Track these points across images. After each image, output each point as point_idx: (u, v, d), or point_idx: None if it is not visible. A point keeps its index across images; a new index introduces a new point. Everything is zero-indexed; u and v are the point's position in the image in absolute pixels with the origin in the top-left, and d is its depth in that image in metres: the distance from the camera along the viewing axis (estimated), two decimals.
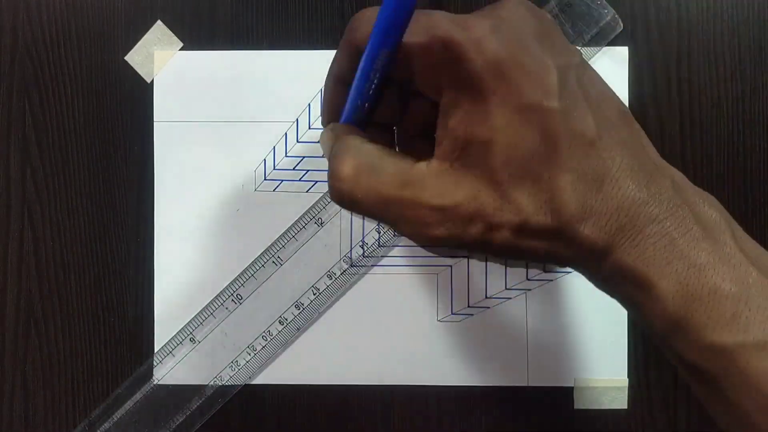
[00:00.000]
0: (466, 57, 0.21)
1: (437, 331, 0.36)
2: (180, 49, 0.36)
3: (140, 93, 0.36)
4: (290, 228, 0.35)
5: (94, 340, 0.36)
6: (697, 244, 0.22)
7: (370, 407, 0.36)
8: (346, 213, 0.35)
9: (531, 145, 0.21)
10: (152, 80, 0.36)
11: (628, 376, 0.35)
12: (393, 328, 0.36)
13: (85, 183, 0.36)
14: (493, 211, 0.22)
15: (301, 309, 0.35)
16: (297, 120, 0.36)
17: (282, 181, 0.36)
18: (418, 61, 0.23)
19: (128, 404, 0.35)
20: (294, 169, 0.36)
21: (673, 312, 0.21)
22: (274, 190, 0.36)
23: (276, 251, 0.35)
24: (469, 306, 0.35)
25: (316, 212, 0.35)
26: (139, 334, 0.36)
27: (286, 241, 0.35)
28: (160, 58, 0.36)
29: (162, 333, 0.36)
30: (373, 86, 0.24)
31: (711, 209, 0.23)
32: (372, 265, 0.35)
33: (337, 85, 0.26)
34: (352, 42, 0.24)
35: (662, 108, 0.35)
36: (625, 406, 0.35)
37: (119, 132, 0.36)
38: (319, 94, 0.36)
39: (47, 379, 0.36)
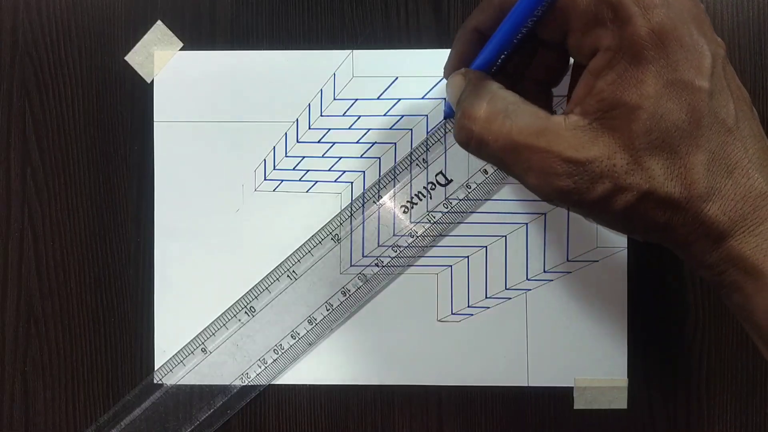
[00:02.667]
0: (634, 21, 0.22)
1: (437, 331, 0.36)
2: (180, 49, 0.36)
3: (140, 93, 0.36)
4: (306, 243, 0.35)
5: (94, 340, 0.36)
6: None
7: (370, 407, 0.36)
8: (361, 229, 0.35)
9: (675, 119, 0.22)
10: (152, 80, 0.36)
11: (628, 376, 0.35)
12: (393, 328, 0.36)
13: (85, 183, 0.36)
14: (624, 173, 0.22)
15: (314, 324, 0.35)
16: (297, 120, 0.36)
17: (282, 181, 0.36)
18: (577, 20, 0.23)
19: (137, 411, 0.35)
20: (294, 169, 0.36)
21: None
22: (274, 190, 0.36)
23: (291, 265, 0.35)
24: (469, 306, 0.35)
25: (333, 228, 0.35)
26: (139, 334, 0.36)
27: (301, 256, 0.35)
28: (160, 58, 0.36)
29: (162, 333, 0.36)
30: (517, 40, 0.25)
31: None
32: (386, 284, 0.36)
33: (473, 34, 0.27)
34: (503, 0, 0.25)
35: None
36: (625, 406, 0.35)
37: (119, 132, 0.36)
38: (320, 93, 0.36)
39: (47, 379, 0.36)
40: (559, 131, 0.23)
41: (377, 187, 0.35)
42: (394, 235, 0.35)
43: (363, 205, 0.35)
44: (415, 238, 0.35)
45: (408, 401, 0.36)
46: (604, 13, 0.22)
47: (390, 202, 0.35)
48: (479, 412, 0.36)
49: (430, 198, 0.35)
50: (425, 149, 0.35)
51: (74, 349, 0.36)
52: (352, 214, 0.35)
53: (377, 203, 0.35)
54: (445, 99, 0.34)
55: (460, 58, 0.27)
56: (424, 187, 0.35)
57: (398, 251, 0.35)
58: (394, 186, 0.35)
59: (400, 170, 0.35)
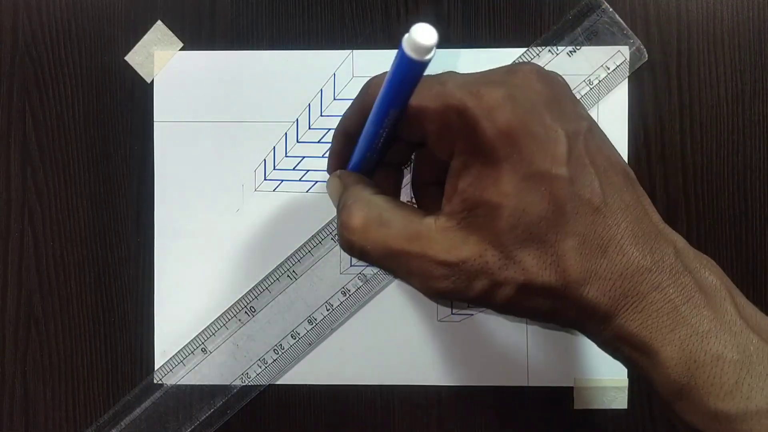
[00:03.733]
0: (479, 125, 0.22)
1: (437, 331, 0.36)
2: (180, 49, 0.36)
3: (140, 93, 0.36)
4: (306, 243, 0.35)
5: (94, 340, 0.36)
6: (699, 312, 0.22)
7: (370, 407, 0.36)
8: None
9: (539, 210, 0.22)
10: (152, 80, 0.36)
11: (628, 376, 0.35)
12: (393, 328, 0.36)
13: (85, 183, 0.36)
14: (498, 269, 0.23)
15: (314, 324, 0.35)
16: (297, 120, 0.36)
17: (282, 181, 0.36)
18: (430, 125, 0.24)
19: (137, 411, 0.35)
20: (294, 169, 0.36)
21: (676, 378, 0.22)
22: (274, 190, 0.36)
23: (291, 265, 0.35)
24: (469, 306, 0.35)
25: (333, 228, 0.35)
26: (139, 334, 0.36)
27: (301, 256, 0.35)
28: (160, 58, 0.36)
29: (162, 333, 0.36)
30: (381, 141, 0.25)
31: (711, 275, 0.23)
32: (386, 284, 0.36)
33: (345, 137, 0.28)
34: (364, 103, 0.25)
35: (662, 108, 0.35)
36: (625, 406, 0.35)
37: (119, 132, 0.36)
38: (320, 93, 0.36)
39: (47, 379, 0.36)
40: (431, 235, 0.23)
41: None
42: None
43: None
44: None
45: (408, 401, 0.36)
46: (451, 119, 0.23)
47: None
48: (479, 412, 0.36)
49: None
50: None
51: (74, 349, 0.36)
52: None
53: None
54: None
55: (337, 158, 0.28)
56: None
57: None
58: None
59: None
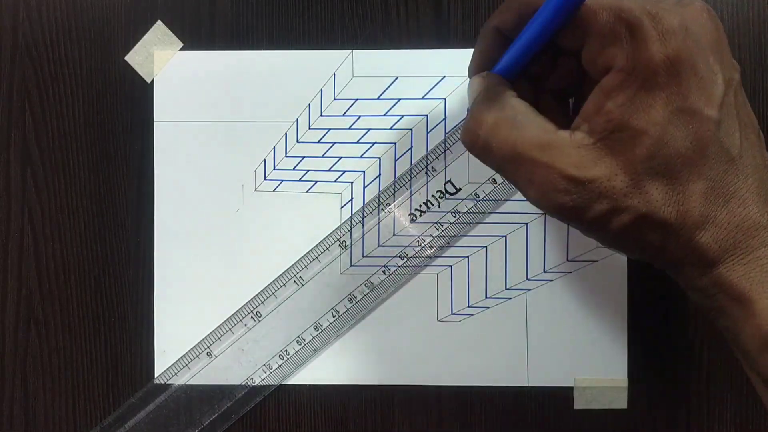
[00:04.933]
0: (650, 46, 0.22)
1: (437, 331, 0.36)
2: (180, 49, 0.36)
3: (140, 93, 0.36)
4: (313, 249, 0.35)
5: (94, 340, 0.36)
6: None
7: (370, 407, 0.36)
8: (370, 238, 0.35)
9: (680, 146, 0.22)
10: (152, 80, 0.36)
11: (628, 376, 0.35)
12: (393, 328, 0.36)
13: (85, 183, 0.36)
14: (623, 196, 0.22)
15: (320, 330, 0.35)
16: (297, 120, 0.36)
17: (282, 181, 0.36)
18: (597, 33, 0.23)
19: (141, 414, 0.35)
20: (294, 169, 0.36)
21: (767, 330, 0.22)
22: (274, 190, 0.36)
23: (298, 271, 0.35)
24: (469, 306, 0.35)
25: (341, 235, 0.35)
26: (139, 334, 0.36)
27: (308, 262, 0.35)
28: (160, 58, 0.36)
29: (162, 333, 0.36)
30: (541, 44, 0.25)
31: None
32: (392, 292, 0.36)
33: (497, 36, 0.26)
34: (527, 1, 0.25)
35: None
36: (625, 406, 0.35)
37: (119, 132, 0.36)
38: (320, 93, 0.36)
39: (47, 379, 0.36)
40: (563, 148, 0.23)
41: (385, 194, 0.35)
42: (401, 243, 0.35)
43: (372, 212, 0.35)
44: (422, 246, 0.35)
45: (408, 401, 0.36)
46: (621, 32, 0.22)
47: (397, 210, 0.35)
48: (479, 411, 0.36)
49: (438, 207, 0.35)
50: (434, 158, 0.35)
51: (74, 350, 0.36)
52: (361, 221, 0.35)
53: (385, 210, 0.35)
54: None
55: (483, 58, 0.27)
56: (432, 196, 0.35)
57: (405, 259, 0.35)
58: (402, 194, 0.35)
59: (408, 178, 0.35)
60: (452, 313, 0.35)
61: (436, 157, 0.35)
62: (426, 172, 0.35)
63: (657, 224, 0.23)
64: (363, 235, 0.35)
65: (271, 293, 0.35)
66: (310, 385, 0.36)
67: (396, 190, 0.35)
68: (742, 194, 0.23)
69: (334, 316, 0.35)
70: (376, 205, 0.35)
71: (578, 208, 0.23)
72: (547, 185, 0.23)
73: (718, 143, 0.22)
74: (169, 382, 0.36)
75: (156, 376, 0.36)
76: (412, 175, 0.35)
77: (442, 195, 0.35)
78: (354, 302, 0.35)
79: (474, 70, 0.28)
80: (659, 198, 0.22)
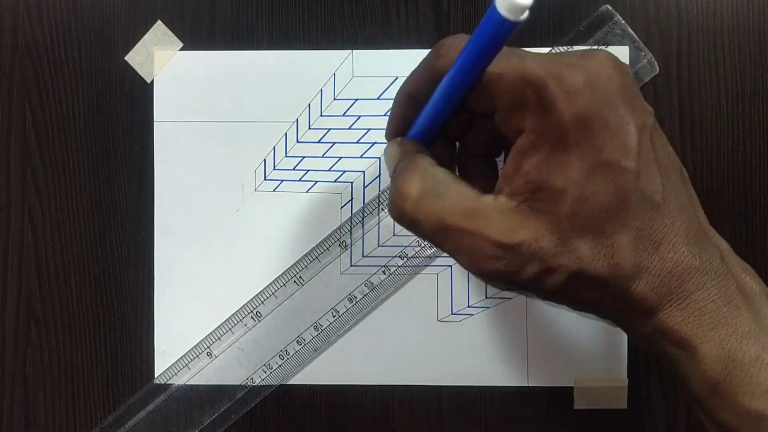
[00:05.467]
0: (557, 107, 0.22)
1: (437, 331, 0.36)
2: (180, 49, 0.36)
3: (140, 93, 0.36)
4: (313, 249, 0.35)
5: (94, 340, 0.36)
6: (739, 314, 0.23)
7: (370, 407, 0.36)
8: (370, 238, 0.35)
9: (602, 201, 0.22)
10: (152, 80, 0.36)
11: (628, 376, 0.35)
12: (393, 328, 0.36)
13: (85, 183, 0.36)
14: (552, 255, 0.22)
15: (320, 330, 0.35)
16: (297, 120, 0.36)
17: (282, 181, 0.36)
18: (504, 97, 0.23)
19: (141, 414, 0.35)
20: (294, 169, 0.36)
21: (712, 375, 0.22)
22: (274, 190, 0.36)
23: (298, 271, 0.35)
24: (469, 306, 0.35)
25: (341, 235, 0.35)
26: (139, 334, 0.36)
27: (308, 262, 0.35)
28: (160, 58, 0.36)
29: (162, 333, 0.36)
30: (450, 109, 0.25)
31: (752, 281, 0.24)
32: (392, 292, 0.36)
33: (409, 101, 0.27)
34: (436, 66, 0.25)
35: (662, 108, 0.35)
36: (625, 406, 0.35)
37: (119, 132, 0.36)
38: (320, 93, 0.36)
39: (47, 379, 0.36)
40: (488, 214, 0.23)
41: (385, 194, 0.35)
42: (401, 243, 0.35)
43: (371, 212, 0.35)
44: (422, 246, 0.35)
45: (408, 401, 0.36)
46: (527, 95, 0.22)
47: None
48: (479, 412, 0.36)
49: None
50: None
51: (74, 350, 0.36)
52: (361, 221, 0.35)
53: (385, 210, 0.35)
54: None
55: (398, 124, 0.27)
56: None
57: (405, 259, 0.35)
58: None
59: None
60: (452, 313, 0.35)
61: None
62: None
63: (590, 280, 0.23)
64: (363, 235, 0.35)
65: (271, 293, 0.35)
66: (310, 385, 0.36)
67: None
68: (671, 239, 0.23)
69: (334, 316, 0.35)
70: (376, 205, 0.35)
71: (510, 272, 0.23)
72: (477, 253, 0.23)
73: (639, 192, 0.22)
74: (169, 382, 0.36)
75: (156, 376, 0.36)
76: None
77: None
78: (354, 302, 0.35)
79: (390, 135, 0.28)
80: (588, 254, 0.22)
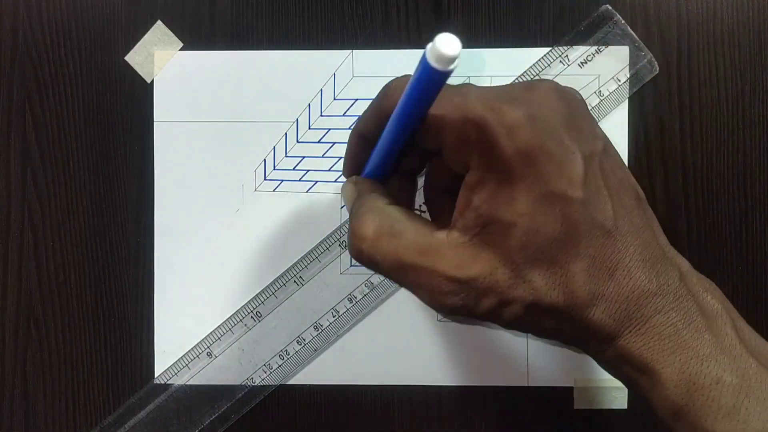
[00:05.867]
0: (498, 143, 0.22)
1: (437, 331, 0.36)
2: (180, 49, 0.36)
3: (140, 93, 0.36)
4: (314, 249, 0.35)
5: (94, 340, 0.36)
6: (700, 336, 0.23)
7: (370, 407, 0.36)
8: None
9: (551, 231, 0.22)
10: (152, 80, 0.36)
11: None
12: (393, 328, 0.36)
13: (85, 183, 0.36)
14: (507, 288, 0.23)
15: (320, 330, 0.35)
16: (297, 120, 0.36)
17: (282, 181, 0.36)
18: (448, 136, 0.23)
19: (141, 414, 0.35)
20: (294, 169, 0.36)
21: (675, 399, 0.22)
22: (274, 190, 0.36)
23: (298, 271, 0.35)
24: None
25: (341, 235, 0.35)
26: (139, 334, 0.36)
27: (308, 262, 0.35)
28: (160, 58, 0.36)
29: (162, 333, 0.36)
30: (399, 148, 0.25)
31: (714, 300, 0.24)
32: (392, 291, 0.35)
33: (360, 141, 0.27)
34: (383, 107, 0.25)
35: (662, 108, 0.35)
36: (625, 406, 0.35)
37: (119, 132, 0.36)
38: (320, 93, 0.36)
39: (47, 379, 0.36)
40: (442, 250, 0.23)
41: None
42: None
43: None
44: None
45: (408, 401, 0.36)
46: (470, 134, 0.23)
47: None
48: (479, 412, 0.36)
49: None
50: None
51: (74, 349, 0.36)
52: None
53: None
54: None
55: (353, 162, 0.28)
56: None
57: None
58: None
59: None
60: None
61: None
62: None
63: (547, 309, 0.23)
64: None
65: (271, 293, 0.35)
66: (310, 385, 0.36)
67: None
68: (626, 264, 0.23)
69: (334, 316, 0.35)
70: None
71: (468, 306, 0.23)
72: (434, 289, 0.23)
73: (589, 220, 0.22)
74: (169, 382, 0.36)
75: (156, 376, 0.36)
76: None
77: None
78: (354, 302, 0.35)
79: (346, 173, 0.29)
80: (543, 284, 0.22)
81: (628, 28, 0.35)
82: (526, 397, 0.36)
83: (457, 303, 0.23)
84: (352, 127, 0.27)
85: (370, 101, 0.26)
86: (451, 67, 0.21)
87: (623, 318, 0.23)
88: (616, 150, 0.25)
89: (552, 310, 0.23)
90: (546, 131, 0.22)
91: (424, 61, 0.21)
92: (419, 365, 0.36)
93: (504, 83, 0.35)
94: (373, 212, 0.25)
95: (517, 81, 0.35)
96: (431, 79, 0.22)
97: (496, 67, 0.35)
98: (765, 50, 0.35)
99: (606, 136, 0.25)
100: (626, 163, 0.35)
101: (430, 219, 0.28)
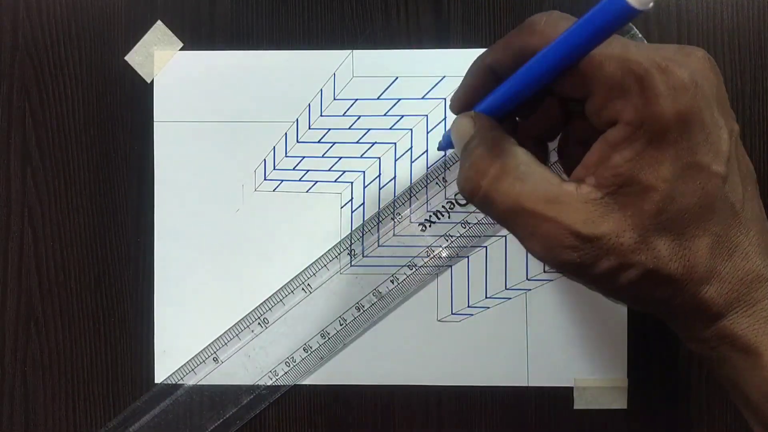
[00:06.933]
0: (661, 102, 0.21)
1: (437, 331, 0.36)
2: (180, 49, 0.36)
3: (140, 93, 0.36)
4: (322, 257, 0.35)
5: (94, 340, 0.36)
6: None
7: (370, 407, 0.36)
8: (378, 245, 0.35)
9: (687, 203, 0.22)
10: (152, 80, 0.36)
11: (628, 376, 0.35)
12: (393, 328, 0.36)
13: (85, 183, 0.36)
14: (630, 252, 0.22)
15: (327, 338, 0.35)
16: (297, 120, 0.36)
17: (282, 181, 0.36)
18: (600, 86, 0.22)
19: (145, 417, 0.35)
20: (294, 169, 0.36)
21: None
22: (274, 190, 0.36)
23: (306, 279, 0.35)
24: (469, 306, 0.35)
25: (349, 244, 0.35)
26: (139, 334, 0.36)
27: (317, 269, 0.35)
28: (160, 58, 0.36)
29: (162, 333, 0.36)
30: (534, 90, 0.23)
31: None
32: (400, 302, 0.35)
33: (487, 74, 0.25)
34: (528, 43, 0.23)
35: None
36: (625, 406, 0.35)
37: (119, 132, 0.36)
38: (320, 93, 0.36)
39: (47, 379, 0.36)
40: (571, 202, 0.22)
41: (395, 203, 0.35)
42: (410, 253, 0.35)
43: (381, 221, 0.35)
44: (431, 257, 0.35)
45: (408, 401, 0.36)
46: (630, 85, 0.22)
47: (407, 219, 0.35)
48: (479, 411, 0.36)
49: (449, 217, 0.35)
50: (444, 168, 0.35)
51: (74, 349, 0.36)
52: (370, 230, 0.35)
53: (394, 220, 0.35)
54: (445, 133, 0.31)
55: (469, 93, 0.26)
56: (442, 206, 0.35)
57: (414, 269, 0.35)
58: (412, 203, 0.35)
59: (419, 188, 0.35)
60: (452, 313, 0.35)
61: (446, 168, 0.35)
62: (437, 182, 0.35)
63: (663, 279, 0.22)
64: (371, 244, 0.35)
65: (278, 300, 0.35)
66: (310, 385, 0.36)
67: (406, 200, 0.35)
68: (745, 247, 0.23)
69: (341, 325, 0.35)
70: (386, 214, 0.35)
71: (584, 264, 0.22)
72: (553, 241, 0.22)
73: (724, 198, 0.22)
74: (174, 386, 0.36)
75: (161, 378, 0.36)
76: (422, 186, 0.35)
77: (452, 206, 0.35)
78: (361, 311, 0.35)
79: (457, 105, 0.27)
80: (666, 254, 0.22)
81: (638, 32, 0.35)
82: (526, 397, 0.36)
83: (574, 259, 0.22)
84: (476, 58, 0.25)
85: (507, 35, 0.24)
86: (651, 5, 0.19)
87: (734, 299, 0.23)
88: None
89: (668, 280, 0.22)
90: (704, 100, 0.22)
91: None
92: (419, 365, 0.36)
93: None
94: (499, 149, 0.23)
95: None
96: (619, 19, 0.19)
97: None
98: (765, 50, 0.35)
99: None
100: None
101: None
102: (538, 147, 0.27)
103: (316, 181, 0.36)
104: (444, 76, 0.35)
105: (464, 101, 0.26)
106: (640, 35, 0.35)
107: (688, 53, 0.23)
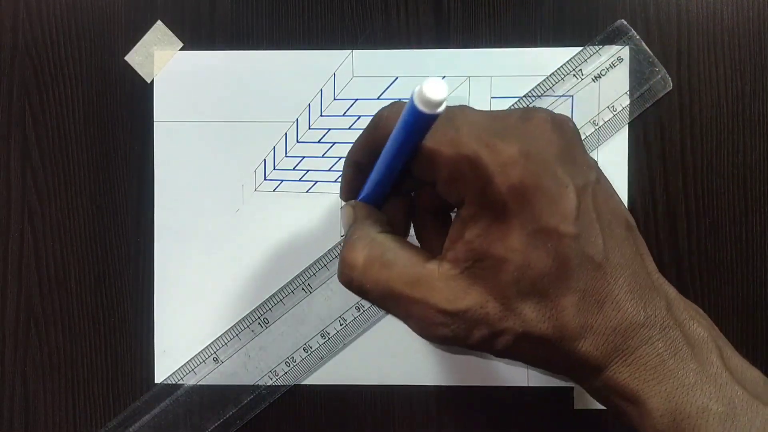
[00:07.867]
0: (492, 180, 0.22)
1: None
2: (180, 49, 0.36)
3: (140, 93, 0.36)
4: (322, 256, 0.35)
5: (94, 340, 0.36)
6: (686, 365, 0.23)
7: (370, 407, 0.36)
8: None
9: (543, 266, 0.22)
10: (152, 80, 0.36)
11: None
12: (393, 328, 0.36)
13: (85, 183, 0.36)
14: (498, 320, 0.23)
15: (327, 338, 0.35)
16: (297, 120, 0.36)
17: (282, 181, 0.36)
18: (441, 171, 0.23)
19: (145, 417, 0.35)
20: (294, 169, 0.36)
21: (662, 428, 0.23)
22: (274, 190, 0.36)
23: (306, 278, 0.35)
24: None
25: None
26: (139, 334, 0.36)
27: (317, 269, 0.35)
28: (160, 58, 0.36)
29: (162, 333, 0.36)
30: (393, 176, 0.25)
31: (700, 327, 0.24)
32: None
33: (355, 168, 0.27)
34: (375, 137, 0.25)
35: (662, 108, 0.35)
36: None
37: (119, 132, 0.36)
38: (320, 93, 0.36)
39: (47, 379, 0.36)
40: (433, 282, 0.23)
41: None
42: None
43: None
44: None
45: (408, 401, 0.36)
46: (463, 169, 0.23)
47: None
48: (479, 412, 0.36)
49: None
50: None
51: (74, 349, 0.36)
52: None
53: None
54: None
55: (349, 187, 0.28)
56: None
57: None
58: None
59: None
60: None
61: None
62: None
63: (537, 340, 0.23)
64: None
65: (278, 300, 0.35)
66: (310, 385, 0.36)
67: None
68: (615, 296, 0.23)
69: (341, 325, 0.35)
70: None
71: (458, 337, 0.23)
72: (425, 320, 0.23)
73: (580, 254, 0.22)
74: (174, 386, 0.36)
75: (161, 378, 0.36)
76: None
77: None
78: (362, 311, 0.35)
79: (344, 195, 0.28)
80: (533, 316, 0.23)
81: (643, 43, 0.35)
82: (526, 397, 0.36)
83: (447, 334, 0.23)
84: (346, 154, 0.27)
85: (363, 130, 0.26)
86: (438, 110, 0.21)
87: (610, 350, 0.23)
88: (607, 178, 0.25)
89: (542, 341, 0.23)
90: (540, 166, 0.22)
91: (411, 104, 0.21)
92: (419, 365, 0.36)
93: (504, 83, 0.35)
94: (365, 240, 0.25)
95: (514, 106, 0.35)
96: (419, 122, 0.22)
97: (496, 67, 0.35)
98: (765, 50, 0.35)
99: (597, 165, 0.25)
100: (626, 163, 0.35)
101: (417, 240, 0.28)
102: (437, 218, 0.28)
103: (316, 181, 0.36)
104: (444, 76, 0.35)
105: (347, 191, 0.28)
106: (638, 36, 0.35)
107: (528, 118, 0.24)
